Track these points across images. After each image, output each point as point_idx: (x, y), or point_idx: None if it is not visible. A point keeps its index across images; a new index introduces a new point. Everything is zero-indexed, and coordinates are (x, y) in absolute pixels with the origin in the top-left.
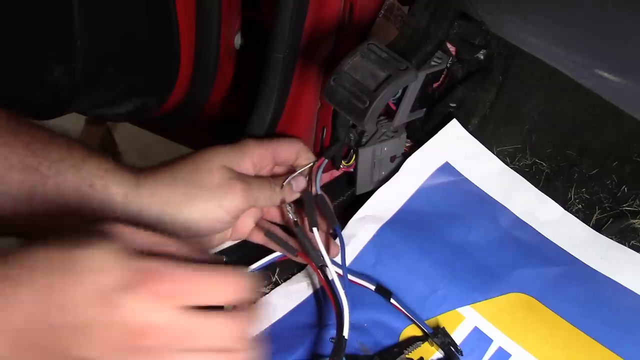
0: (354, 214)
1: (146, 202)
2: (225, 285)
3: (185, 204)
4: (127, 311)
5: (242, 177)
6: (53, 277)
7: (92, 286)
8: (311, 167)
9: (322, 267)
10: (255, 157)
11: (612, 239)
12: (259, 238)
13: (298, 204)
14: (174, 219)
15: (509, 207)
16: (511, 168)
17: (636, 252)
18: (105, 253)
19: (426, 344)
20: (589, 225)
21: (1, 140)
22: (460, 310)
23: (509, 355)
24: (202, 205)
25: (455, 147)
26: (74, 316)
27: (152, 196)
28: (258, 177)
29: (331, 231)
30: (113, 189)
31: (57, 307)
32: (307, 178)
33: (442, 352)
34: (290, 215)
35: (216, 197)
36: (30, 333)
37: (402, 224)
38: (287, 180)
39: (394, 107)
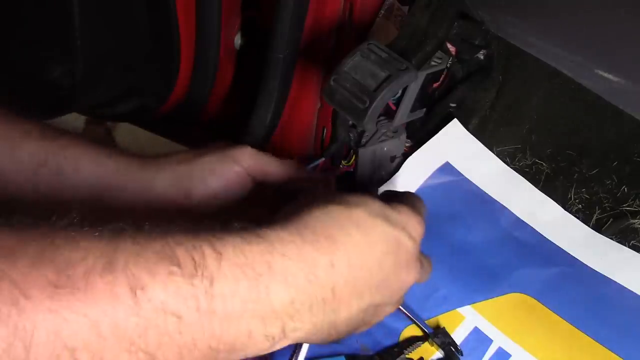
0: None
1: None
2: None
3: (197, 161)
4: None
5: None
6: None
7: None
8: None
9: None
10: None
11: (612, 239)
12: None
13: None
14: (189, 184)
15: (509, 207)
16: (511, 168)
17: (636, 252)
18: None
19: (426, 344)
20: (589, 226)
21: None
22: (460, 310)
23: (509, 355)
24: (216, 159)
25: (455, 147)
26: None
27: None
28: None
29: None
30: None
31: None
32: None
33: (442, 352)
34: None
35: (228, 153)
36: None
37: None
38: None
39: (394, 107)
